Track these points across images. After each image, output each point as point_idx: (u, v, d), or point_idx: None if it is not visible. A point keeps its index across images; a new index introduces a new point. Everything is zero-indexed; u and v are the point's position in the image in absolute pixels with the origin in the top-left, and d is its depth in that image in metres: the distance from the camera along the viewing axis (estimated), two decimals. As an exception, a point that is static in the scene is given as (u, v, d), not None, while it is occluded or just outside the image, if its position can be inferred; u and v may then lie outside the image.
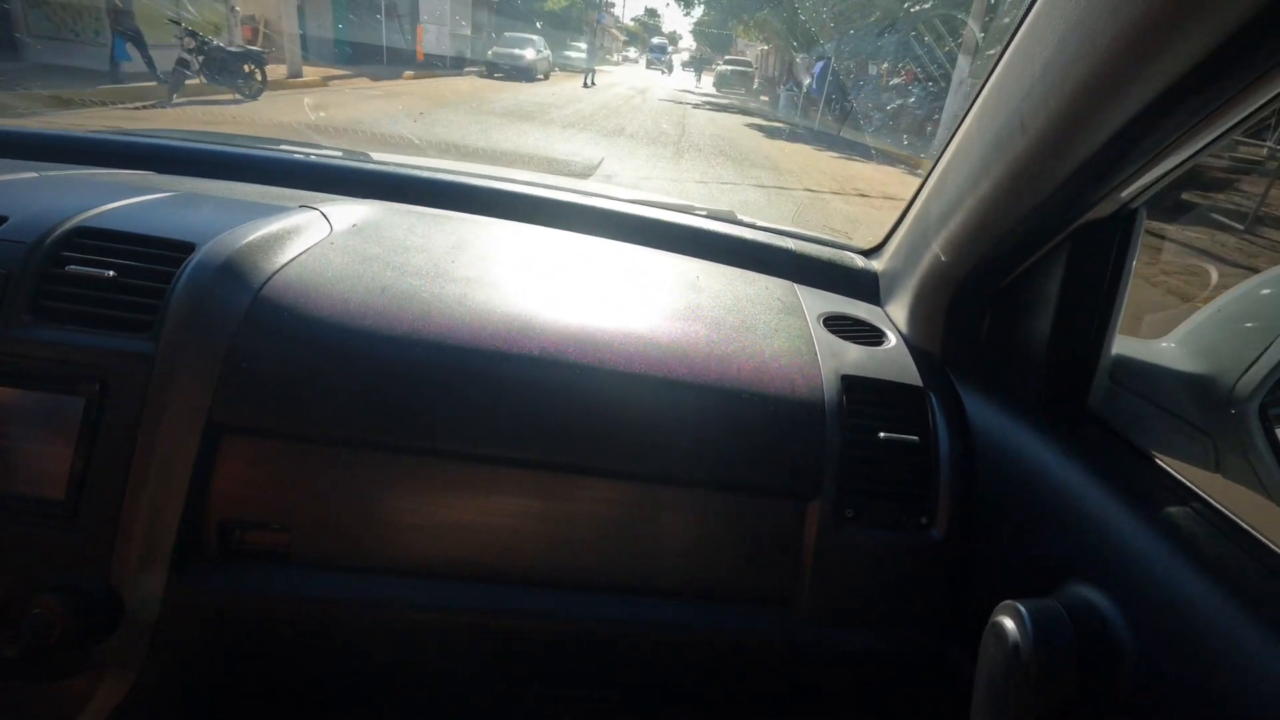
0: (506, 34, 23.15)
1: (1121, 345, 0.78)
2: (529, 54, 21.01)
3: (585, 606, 0.79)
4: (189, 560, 0.73)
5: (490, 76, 20.33)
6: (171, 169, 1.16)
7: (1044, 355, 0.78)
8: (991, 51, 0.71)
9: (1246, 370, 0.68)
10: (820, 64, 17.02)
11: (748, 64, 31.43)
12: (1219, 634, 0.50)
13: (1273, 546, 0.55)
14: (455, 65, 20.41)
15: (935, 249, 0.85)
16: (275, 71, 12.23)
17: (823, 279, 1.15)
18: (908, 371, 0.90)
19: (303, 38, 15.81)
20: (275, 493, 0.74)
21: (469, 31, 22.28)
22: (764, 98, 27.97)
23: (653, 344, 0.83)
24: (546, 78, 22.96)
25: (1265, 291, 0.76)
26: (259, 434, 0.73)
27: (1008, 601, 0.60)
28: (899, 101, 14.61)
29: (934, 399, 0.87)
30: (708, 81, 33.34)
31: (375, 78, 15.33)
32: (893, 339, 0.97)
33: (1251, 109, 0.50)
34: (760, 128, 16.10)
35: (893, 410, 0.85)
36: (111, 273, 0.73)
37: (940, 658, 0.82)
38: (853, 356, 0.90)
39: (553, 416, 0.76)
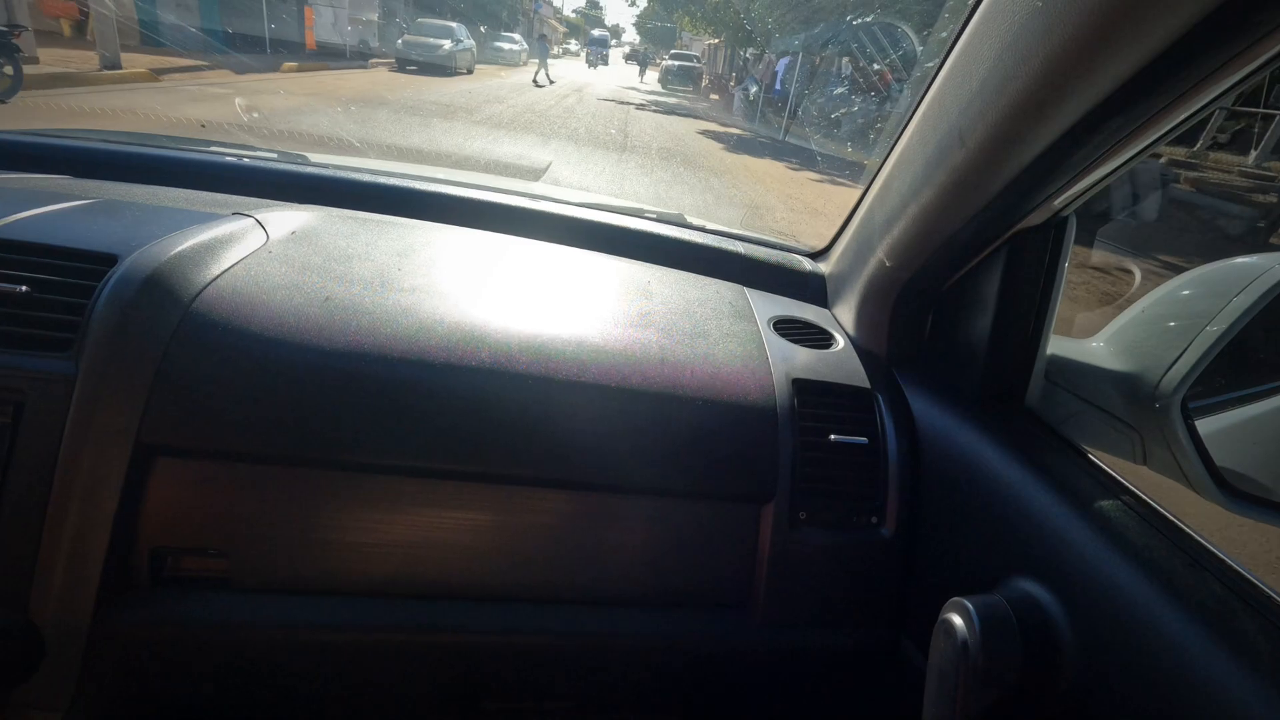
0: (421, 21, 20.11)
1: (1056, 345, 0.81)
2: (446, 45, 18.09)
3: (541, 619, 0.78)
4: (117, 591, 0.69)
5: (403, 70, 17.33)
6: (90, 173, 1.09)
7: (984, 355, 0.81)
8: (930, 64, 0.73)
9: (1169, 368, 0.70)
10: (784, 61, 14.73)
11: (695, 59, 28.94)
12: (1148, 623, 0.53)
13: (1194, 535, 0.59)
14: (358, 57, 17.29)
15: (880, 254, 0.87)
16: (83, 61, 9.18)
17: (772, 282, 1.16)
18: (856, 374, 0.92)
19: (151, 22, 12.58)
20: (211, 515, 0.71)
21: (376, 17, 19.09)
22: (714, 96, 25.65)
23: (604, 352, 0.82)
24: (470, 72, 20.08)
25: (1185, 292, 0.78)
26: (193, 454, 0.70)
27: (956, 598, 0.63)
28: (876, 106, 12.43)
29: (881, 400, 0.89)
30: (652, 77, 30.74)
31: (241, 70, 12.29)
32: (841, 341, 1.00)
33: (1173, 124, 0.54)
34: (717, 136, 13.71)
35: (842, 412, 0.87)
36: (25, 288, 0.68)
37: (895, 652, 0.85)
38: (803, 360, 0.92)
39: (503, 428, 0.75)
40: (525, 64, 30.03)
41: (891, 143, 0.83)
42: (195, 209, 0.94)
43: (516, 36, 30.74)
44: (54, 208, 0.82)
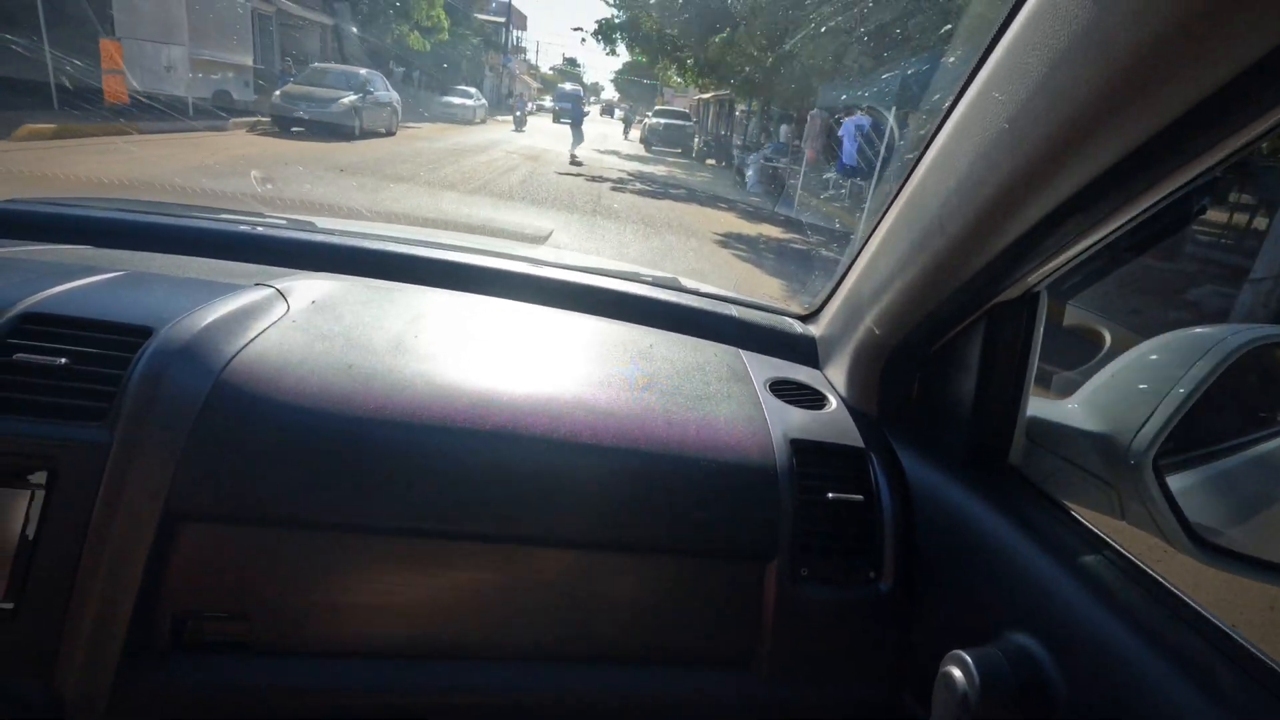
0: (317, 67, 14.89)
1: (1036, 406, 0.85)
2: (346, 98, 12.88)
3: (553, 679, 0.80)
4: (139, 657, 0.70)
5: (283, 132, 11.99)
6: (111, 243, 1.12)
7: (968, 416, 0.85)
8: (910, 155, 0.78)
9: (1141, 427, 0.74)
10: (857, 122, 9.42)
11: (685, 116, 24.08)
12: (1133, 675, 0.56)
13: (1172, 588, 0.62)
14: (208, 115, 11.83)
15: (868, 322, 0.92)
16: None
17: (765, 344, 1.19)
18: (849, 433, 0.94)
19: None
20: (234, 580, 0.72)
21: (250, 61, 13.70)
22: (710, 161, 20.70)
23: (613, 415, 0.84)
24: (389, 133, 14.86)
25: (1153, 357, 0.84)
26: (219, 520, 0.71)
27: (955, 652, 0.64)
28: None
29: (874, 458, 0.91)
30: (636, 136, 25.84)
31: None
32: (833, 402, 1.02)
33: (1133, 214, 0.59)
34: (761, 252, 8.32)
35: (838, 471, 0.89)
36: (64, 360, 0.70)
37: (896, 706, 0.86)
38: (799, 420, 0.94)
39: (520, 490, 0.77)
40: (481, 121, 25.13)
41: (876, 220, 0.89)
42: (217, 279, 0.96)
43: (472, 91, 25.81)
44: (87, 281, 0.84)
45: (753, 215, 10.72)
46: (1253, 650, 0.54)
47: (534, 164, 13.12)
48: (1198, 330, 0.82)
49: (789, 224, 10.22)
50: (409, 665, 0.76)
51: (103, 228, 1.16)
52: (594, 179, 12.12)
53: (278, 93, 12.70)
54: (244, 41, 13.52)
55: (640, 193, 11.37)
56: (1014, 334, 0.80)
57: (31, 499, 0.66)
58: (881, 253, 0.87)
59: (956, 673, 0.62)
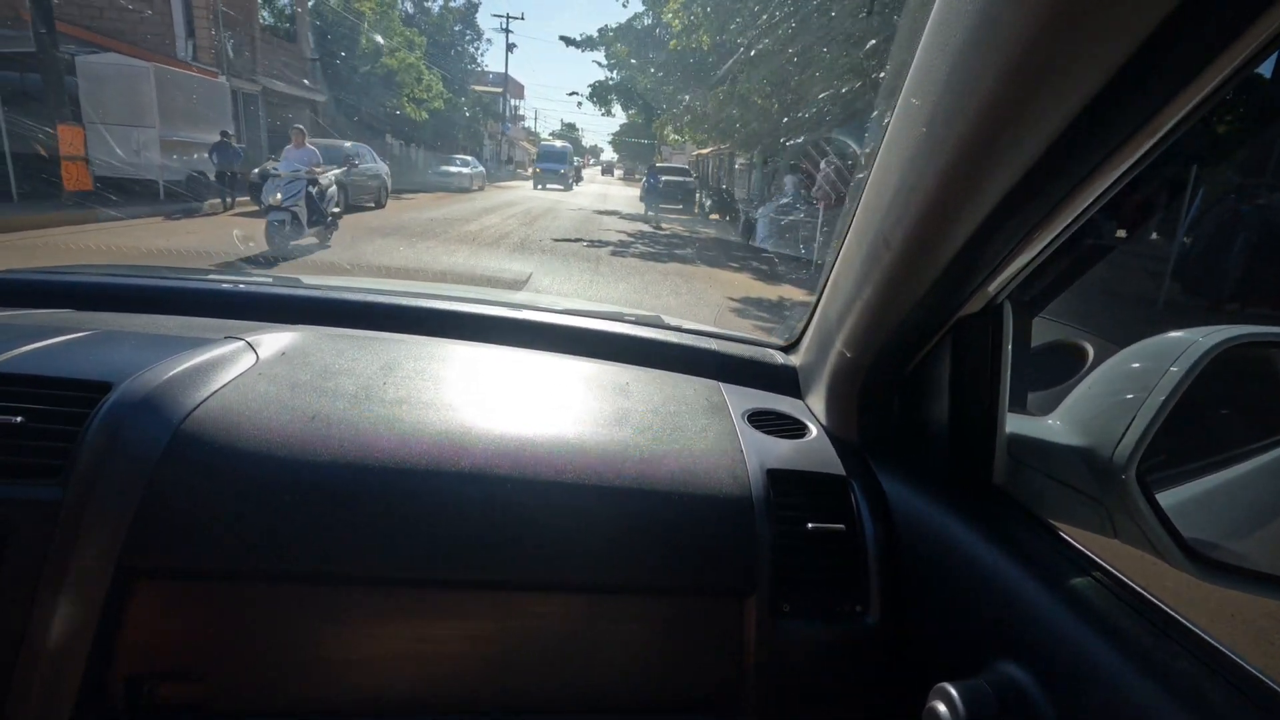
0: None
1: (1018, 424, 0.82)
2: (330, 173, 12.22)
3: None
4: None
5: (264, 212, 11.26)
6: (92, 306, 1.11)
7: (947, 437, 0.82)
8: (861, 175, 0.76)
9: (1121, 438, 0.72)
10: None
11: (685, 172, 23.53)
12: (1122, 698, 0.54)
13: (1163, 606, 0.59)
14: (178, 199, 11.10)
15: (839, 346, 0.89)
16: None
17: (746, 376, 1.16)
18: (830, 461, 0.92)
19: None
20: (190, 637, 0.70)
21: (233, 139, 13.09)
22: (714, 216, 19.99)
23: (582, 452, 0.82)
24: (379, 205, 14.25)
25: (1131, 365, 0.81)
26: (174, 575, 0.69)
27: (940, 685, 0.62)
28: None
29: (855, 485, 0.89)
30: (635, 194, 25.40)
31: None
32: (814, 430, 0.99)
33: (1073, 216, 0.58)
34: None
35: (818, 500, 0.86)
36: (20, 419, 0.69)
37: None
38: (777, 450, 0.92)
39: (486, 533, 0.74)
40: (479, 189, 24.74)
41: (839, 244, 0.86)
42: (191, 335, 0.94)
43: (469, 159, 25.59)
44: (52, 340, 0.83)
45: (768, 275, 9.71)
46: (1251, 670, 0.52)
47: (528, 230, 12.31)
48: (1172, 335, 0.77)
49: (808, 283, 9.20)
50: None
51: (86, 291, 1.15)
52: (592, 244, 11.23)
53: (255, 170, 12.04)
54: (221, 120, 12.94)
55: (643, 255, 10.42)
56: (981, 349, 0.77)
57: None
58: (842, 273, 0.85)
59: (941, 708, 0.60)
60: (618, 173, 49.60)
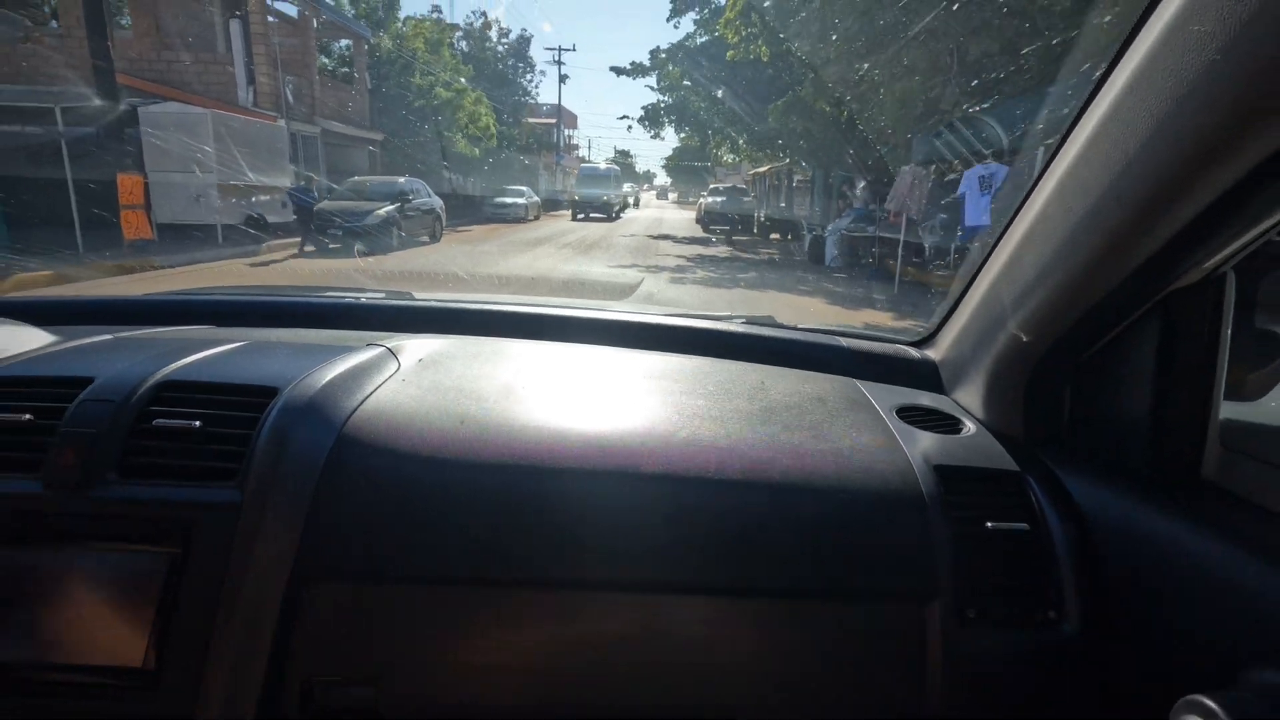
0: (353, 180, 14.35)
1: (1230, 409, 0.75)
2: (383, 209, 12.08)
3: None
4: None
5: (322, 251, 11.19)
6: (231, 322, 1.16)
7: (1145, 426, 0.75)
8: (1050, 141, 0.73)
9: None
10: (976, 174, 7.36)
11: (743, 192, 22.73)
12: None
13: None
14: (238, 241, 11.13)
15: (1011, 329, 0.83)
16: None
17: (881, 372, 1.10)
18: (998, 456, 0.85)
19: None
20: (363, 643, 0.70)
21: (283, 181, 13.12)
22: (775, 236, 19.07)
23: (729, 450, 0.79)
24: (434, 239, 14.13)
25: None
26: (347, 579, 0.70)
27: (1191, 698, 0.54)
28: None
29: (1033, 482, 0.82)
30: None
31: None
32: (970, 426, 0.93)
33: None
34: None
35: (993, 498, 0.80)
36: (199, 423, 0.71)
37: None
38: (938, 445, 0.86)
39: (647, 532, 0.73)
40: (534, 218, 24.65)
41: (1010, 216, 0.81)
42: (333, 344, 0.96)
43: (524, 189, 25.57)
44: (214, 351, 0.85)
45: (845, 299, 8.76)
46: None
47: (584, 257, 11.80)
48: None
49: (893, 305, 8.24)
50: None
51: (220, 309, 1.22)
52: (649, 268, 10.59)
53: (315, 208, 12.03)
54: (277, 164, 13.06)
55: (705, 282, 9.66)
56: (1197, 326, 0.71)
57: (170, 563, 0.65)
58: (1027, 247, 0.78)
59: None
60: (672, 196, 49.74)
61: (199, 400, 0.73)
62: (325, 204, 12.16)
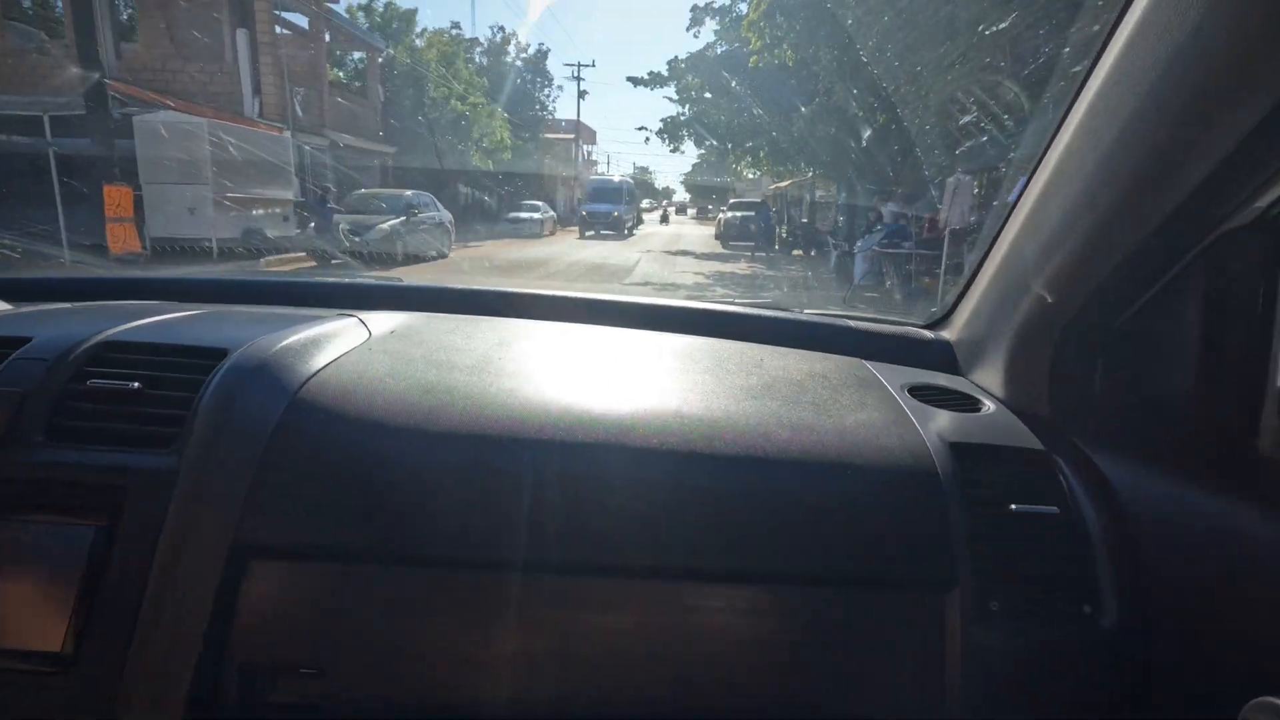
0: (360, 192, 13.88)
1: None
2: (388, 223, 11.55)
3: None
4: (203, 714, 0.63)
5: (324, 266, 10.66)
6: (203, 299, 1.09)
7: (1189, 398, 0.71)
8: (1077, 69, 0.66)
9: None
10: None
11: (764, 207, 21.91)
12: None
13: None
14: (235, 255, 10.61)
15: (1037, 292, 0.78)
16: None
17: (892, 353, 1.03)
18: (1021, 435, 0.79)
19: None
20: (308, 626, 0.65)
21: (286, 193, 12.62)
22: (797, 252, 18.29)
23: (724, 425, 0.73)
24: (442, 255, 13.57)
25: None
26: (292, 555, 0.65)
27: (1261, 700, 0.51)
28: None
29: (1062, 463, 0.76)
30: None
31: None
32: (990, 405, 0.87)
33: None
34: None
35: (1017, 479, 0.73)
36: (136, 384, 0.67)
37: None
38: (954, 423, 0.79)
39: (627, 509, 0.66)
40: (549, 234, 24.10)
41: (1034, 166, 0.75)
42: (302, 315, 0.91)
43: (539, 204, 25.09)
44: (166, 316, 0.82)
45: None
46: None
47: (595, 276, 11.14)
48: None
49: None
50: None
51: (188, 288, 1.16)
52: (664, 286, 9.89)
53: (312, 224, 11.54)
54: (281, 176, 12.58)
55: (725, 302, 8.96)
56: (1250, 278, 0.64)
57: (94, 538, 0.61)
58: (1049, 196, 0.72)
59: None
60: (691, 212, 49.51)
61: (142, 362, 0.69)
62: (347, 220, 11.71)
